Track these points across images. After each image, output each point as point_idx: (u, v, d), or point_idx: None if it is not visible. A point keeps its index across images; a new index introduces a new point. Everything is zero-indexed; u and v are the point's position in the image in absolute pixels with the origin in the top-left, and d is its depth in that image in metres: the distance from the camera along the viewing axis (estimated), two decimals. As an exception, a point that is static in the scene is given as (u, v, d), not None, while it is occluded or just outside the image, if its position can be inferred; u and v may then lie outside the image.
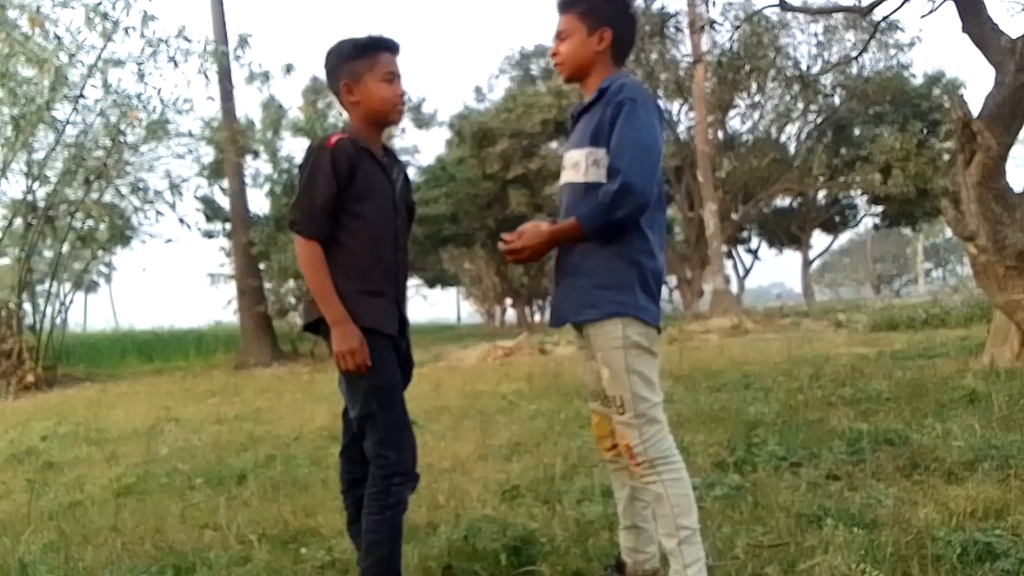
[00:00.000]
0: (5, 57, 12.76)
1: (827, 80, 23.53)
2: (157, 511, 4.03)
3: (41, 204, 15.01)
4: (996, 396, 4.84)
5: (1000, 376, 6.05)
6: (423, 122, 23.75)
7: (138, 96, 14.49)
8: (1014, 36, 7.10)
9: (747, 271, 35.20)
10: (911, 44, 23.07)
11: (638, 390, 2.22)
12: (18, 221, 15.23)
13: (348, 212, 2.33)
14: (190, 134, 16.56)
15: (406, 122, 21.91)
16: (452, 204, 23.71)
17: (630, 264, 2.25)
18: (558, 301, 2.41)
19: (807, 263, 32.67)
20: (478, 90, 27.37)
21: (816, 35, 23.43)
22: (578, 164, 2.32)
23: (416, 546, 2.96)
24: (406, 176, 2.56)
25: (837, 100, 24.55)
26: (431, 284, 34.65)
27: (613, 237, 2.24)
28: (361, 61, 2.38)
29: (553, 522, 3.16)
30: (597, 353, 2.29)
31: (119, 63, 14.11)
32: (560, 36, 2.39)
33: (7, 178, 14.34)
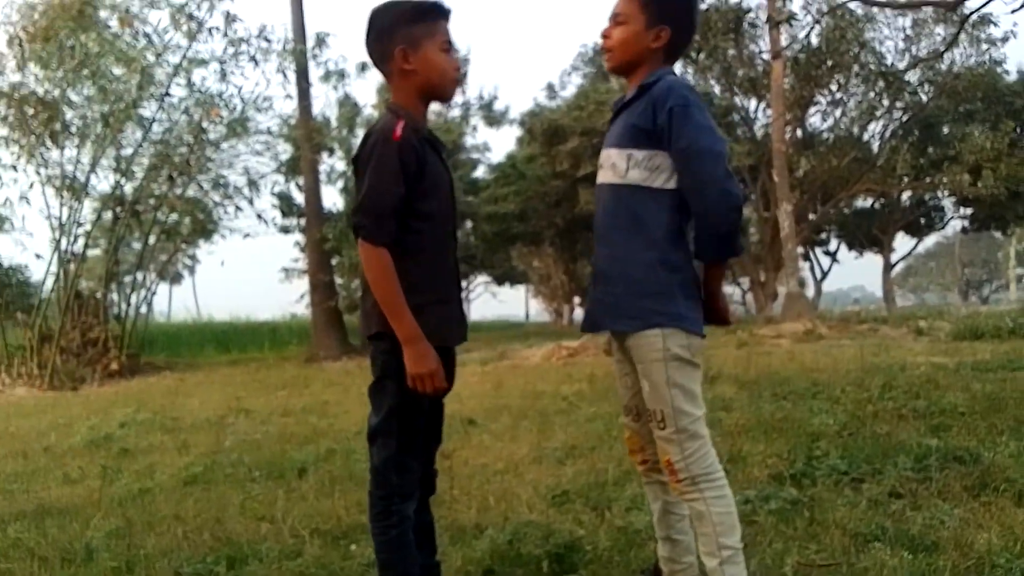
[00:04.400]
0: (96, 56, 13.38)
1: (914, 76, 22.60)
2: (220, 501, 4.15)
3: (128, 198, 15.69)
4: (1081, 414, 4.58)
5: (1089, 392, 5.72)
6: (494, 120, 23.82)
7: (220, 94, 15.01)
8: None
9: (824, 274, 34.19)
10: (1004, 39, 21.98)
11: (679, 404, 2.14)
12: (107, 214, 15.97)
13: (415, 213, 2.12)
14: (268, 131, 17.08)
15: (477, 120, 22.05)
16: (521, 202, 23.74)
17: (672, 270, 2.18)
18: (593, 306, 2.33)
19: (888, 267, 31.49)
20: (550, 87, 27.32)
21: (904, 29, 22.61)
22: (616, 165, 2.23)
23: (461, 548, 2.98)
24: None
25: (924, 97, 23.56)
26: (500, 281, 34.81)
27: (653, 242, 2.17)
28: (421, 26, 2.16)
29: (600, 530, 3.13)
30: (637, 365, 2.21)
31: (203, 62, 14.63)
32: (616, 19, 2.26)
33: (97, 173, 15.03)
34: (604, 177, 2.29)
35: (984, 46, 22.26)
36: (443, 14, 2.21)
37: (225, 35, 14.37)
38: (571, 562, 2.68)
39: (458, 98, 25.76)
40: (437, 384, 2.10)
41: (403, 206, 2.10)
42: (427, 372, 2.07)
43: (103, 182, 15.53)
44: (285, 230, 23.04)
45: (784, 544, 2.87)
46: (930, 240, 42.65)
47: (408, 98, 2.21)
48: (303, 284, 18.52)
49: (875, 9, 18.65)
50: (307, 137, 16.54)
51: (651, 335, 2.16)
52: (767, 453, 4.23)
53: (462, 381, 9.96)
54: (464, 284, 36.07)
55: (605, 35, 2.31)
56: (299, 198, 19.20)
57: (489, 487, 4.06)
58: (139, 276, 17.82)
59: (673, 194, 2.17)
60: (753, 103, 24.57)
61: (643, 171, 2.18)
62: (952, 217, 30.15)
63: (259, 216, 17.24)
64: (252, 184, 16.81)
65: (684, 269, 2.20)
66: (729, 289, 49.81)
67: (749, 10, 11.82)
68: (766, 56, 20.58)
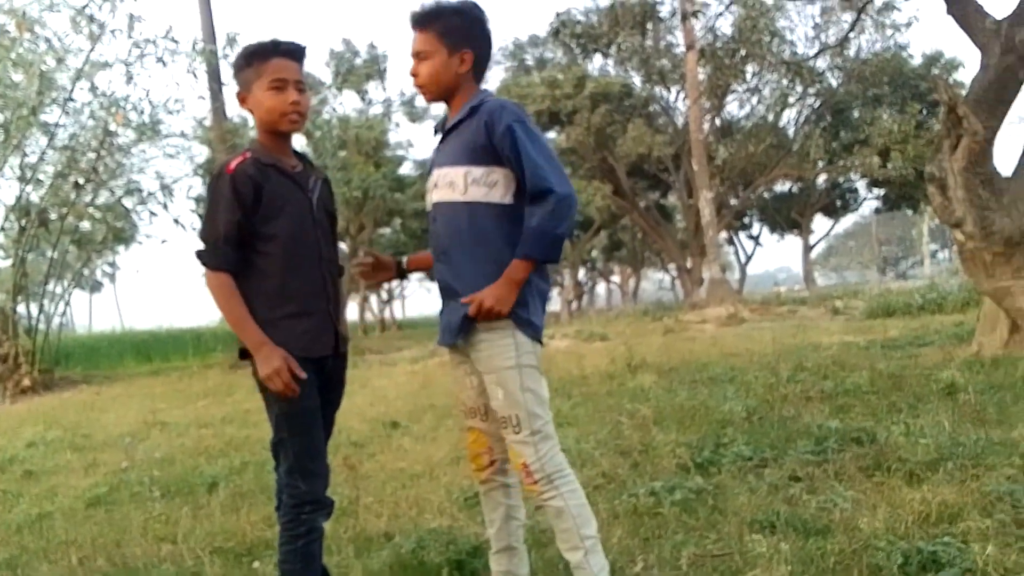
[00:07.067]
0: (-8, 62, 12.76)
1: (823, 63, 23.30)
2: (121, 523, 4.01)
3: (35, 207, 15.01)
4: (974, 388, 4.78)
5: (984, 366, 5.99)
6: (416, 116, 23.62)
7: (126, 98, 14.48)
8: (999, 17, 7.00)
9: (748, 257, 35.10)
10: (908, 24, 22.85)
11: (532, 408, 2.24)
12: (13, 224, 15.25)
13: (260, 235, 2.24)
14: (182, 134, 16.57)
15: (399, 116, 21.82)
16: (449, 197, 23.61)
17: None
18: (448, 319, 2.36)
19: (808, 248, 32.50)
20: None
21: (813, 17, 23.28)
22: (454, 183, 2.28)
23: (364, 559, 2.93)
24: (326, 182, 2.43)
25: (835, 83, 24.33)
26: (433, 277, 34.53)
27: (497, 255, 2.22)
28: (249, 70, 2.29)
29: (506, 532, 3.12)
30: (489, 375, 2.27)
31: (106, 65, 14.08)
32: (419, 56, 2.33)
33: (-1, 182, 14.34)
34: (441, 196, 2.33)
35: (889, 31, 23.09)
36: (279, 52, 2.29)
37: (129, 37, 13.85)
38: (472, 568, 2.66)
39: (379, 95, 25.53)
40: (285, 380, 2.14)
41: (240, 231, 2.21)
42: (272, 371, 2.14)
43: (7, 191, 14.85)
44: (205, 234, 22.44)
45: (684, 535, 2.91)
46: (848, 220, 44.00)
47: (260, 134, 2.36)
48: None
49: (785, -1, 19.16)
50: (221, 139, 16.10)
51: (503, 344, 2.23)
52: (677, 442, 4.29)
53: (390, 381, 9.87)
54: (398, 281, 35.77)
55: (413, 73, 2.37)
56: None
57: (403, 493, 4.02)
58: (52, 287, 17.10)
59: (512, 208, 2.24)
60: (673, 93, 25.01)
61: (482, 187, 2.25)
62: (865, 198, 31.34)
63: (176, 221, 16.71)
64: (166, 188, 16.26)
65: (530, 281, 2.25)
66: (658, 275, 50.63)
67: (659, 3, 11.99)
68: (682, 48, 20.94)
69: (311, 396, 2.26)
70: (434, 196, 2.37)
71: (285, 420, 2.22)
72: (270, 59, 2.27)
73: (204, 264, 2.23)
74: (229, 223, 2.19)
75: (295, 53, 2.31)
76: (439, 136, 2.42)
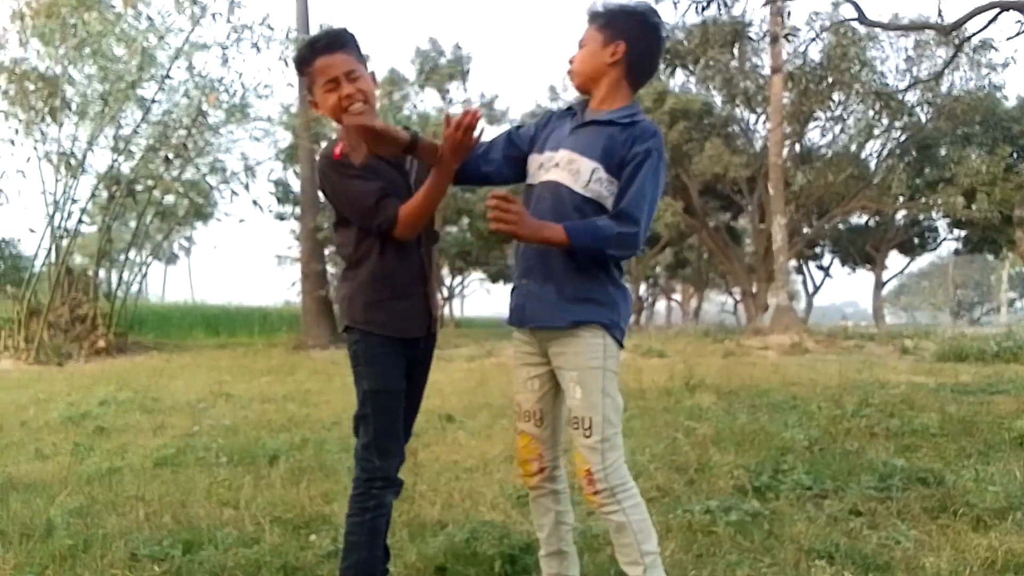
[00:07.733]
0: (98, 35, 13.37)
1: (913, 97, 22.66)
2: (187, 484, 4.16)
3: (125, 177, 15.67)
4: (1049, 441, 4.61)
5: (1061, 420, 5.76)
6: (494, 118, 23.85)
7: (220, 80, 15.00)
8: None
9: (817, 288, 34.32)
10: (1005, 65, 22.08)
11: (608, 414, 2.21)
12: (102, 192, 15.95)
13: None
14: (268, 119, 17.10)
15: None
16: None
17: (617, 288, 2.29)
18: (529, 301, 2.31)
19: (880, 284, 31.58)
20: (552, 88, 27.27)
21: (906, 50, 22.68)
22: (579, 172, 2.24)
23: (418, 544, 3.00)
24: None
25: (923, 118, 23.62)
26: (494, 279, 34.73)
27: (603, 263, 2.26)
28: (305, 78, 2.32)
29: (558, 532, 3.14)
30: (571, 372, 2.23)
31: (204, 47, 14.62)
32: (580, 45, 2.37)
33: (94, 151, 15.01)
34: (557, 176, 2.27)
35: (984, 71, 22.34)
36: (317, 52, 2.28)
37: (228, 21, 14.37)
38: (524, 564, 2.70)
39: (460, 95, 25.83)
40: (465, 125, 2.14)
41: (387, 187, 2.22)
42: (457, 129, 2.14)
43: (100, 160, 15.53)
44: (280, 217, 23.08)
45: (739, 556, 2.89)
46: (924, 259, 42.82)
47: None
48: (296, 271, 18.55)
49: (878, 29, 18.71)
50: (306, 126, 16.54)
51: (593, 342, 2.22)
52: (735, 464, 4.24)
53: (446, 376, 9.99)
54: (459, 280, 36.08)
55: (570, 60, 2.40)
56: (296, 186, 19.20)
57: (456, 484, 4.08)
58: (132, 255, 17.82)
59: None
60: (754, 115, 24.63)
61: (601, 188, 2.24)
62: (945, 238, 30.22)
63: (255, 202, 17.32)
64: (249, 170, 16.81)
65: (624, 288, 2.32)
66: (721, 298, 49.88)
67: (749, 24, 11.83)
68: (768, 70, 20.62)
69: (398, 378, 2.32)
70: (550, 175, 2.29)
71: (372, 398, 2.29)
72: (314, 62, 2.28)
73: (389, 229, 2.21)
74: (376, 185, 2.20)
75: (333, 45, 2.29)
76: (569, 117, 2.38)
